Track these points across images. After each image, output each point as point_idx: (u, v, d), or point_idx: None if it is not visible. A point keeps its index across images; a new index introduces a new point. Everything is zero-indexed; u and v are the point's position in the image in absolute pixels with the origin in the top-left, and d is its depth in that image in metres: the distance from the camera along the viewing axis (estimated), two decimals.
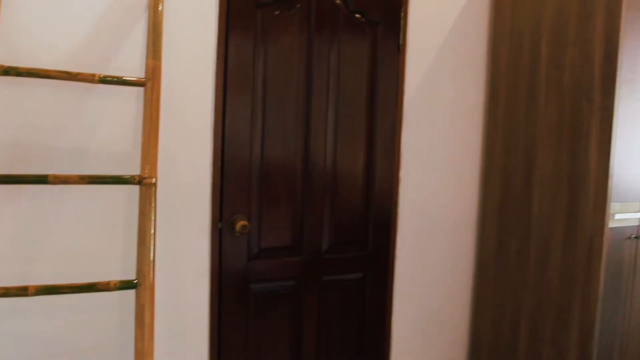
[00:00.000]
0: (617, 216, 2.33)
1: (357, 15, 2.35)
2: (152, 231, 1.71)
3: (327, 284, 2.40)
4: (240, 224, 2.10)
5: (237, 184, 2.15)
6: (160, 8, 1.87)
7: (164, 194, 1.97)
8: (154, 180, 1.74)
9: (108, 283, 1.66)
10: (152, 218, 1.72)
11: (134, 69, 1.90)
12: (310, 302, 2.36)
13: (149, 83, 1.79)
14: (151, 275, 1.69)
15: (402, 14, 2.45)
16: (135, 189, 1.89)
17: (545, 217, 2.42)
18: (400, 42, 2.46)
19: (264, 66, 2.17)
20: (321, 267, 2.38)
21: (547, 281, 2.41)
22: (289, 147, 2.25)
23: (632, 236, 2.41)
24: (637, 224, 2.43)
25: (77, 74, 1.70)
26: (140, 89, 1.88)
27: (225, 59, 2.08)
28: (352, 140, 2.39)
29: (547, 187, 2.41)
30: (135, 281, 1.69)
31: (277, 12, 2.18)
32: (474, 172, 2.76)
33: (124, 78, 1.77)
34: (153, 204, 1.73)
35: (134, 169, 1.89)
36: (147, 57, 1.82)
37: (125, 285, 1.68)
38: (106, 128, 1.88)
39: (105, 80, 1.74)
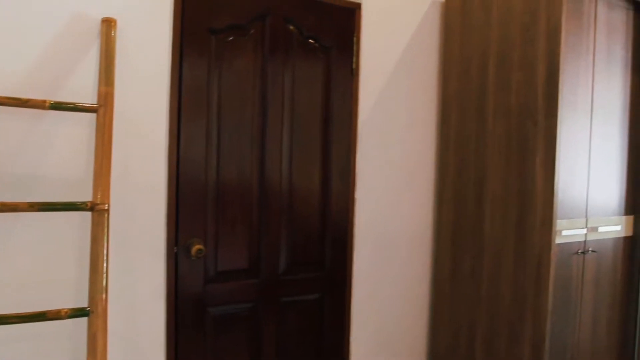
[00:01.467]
0: (565, 232, 2.42)
1: (310, 41, 2.41)
2: (105, 258, 1.70)
3: (285, 305, 2.41)
4: (196, 247, 2.10)
5: (193, 207, 2.15)
6: (112, 34, 1.88)
7: (118, 219, 1.96)
8: (106, 206, 1.73)
9: (59, 311, 1.64)
10: (105, 244, 1.71)
11: (87, 94, 1.89)
12: (269, 324, 2.36)
13: (102, 109, 1.79)
14: (104, 302, 1.68)
15: (354, 39, 2.51)
16: (88, 215, 1.87)
17: (496, 235, 2.49)
18: (354, 65, 2.52)
19: (218, 90, 2.19)
20: (279, 289, 2.39)
21: (500, 297, 2.48)
22: (244, 169, 2.27)
23: (579, 251, 2.50)
24: (583, 239, 2.52)
25: (27, 100, 1.69)
26: (94, 114, 1.88)
27: (179, 84, 2.10)
28: (307, 162, 2.43)
29: (498, 205, 2.49)
30: (87, 309, 1.67)
31: (230, 38, 2.21)
32: (428, 191, 2.82)
33: (75, 104, 1.77)
34: (105, 230, 1.72)
35: (87, 195, 1.87)
36: (99, 84, 1.82)
37: (77, 313, 1.66)
38: (58, 154, 1.86)
39: (56, 106, 1.73)
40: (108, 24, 1.89)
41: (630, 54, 2.67)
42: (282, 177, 2.36)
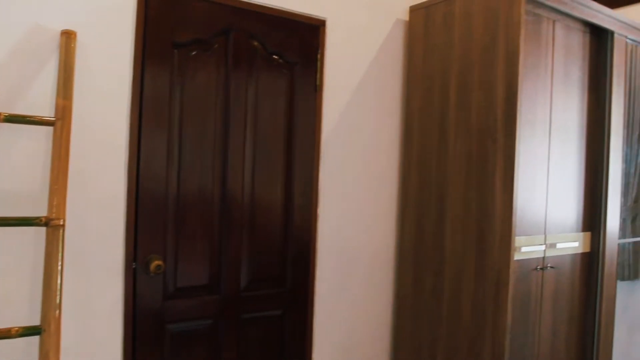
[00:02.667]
0: (524, 249, 2.47)
1: (274, 56, 2.42)
2: (59, 274, 1.66)
3: (246, 322, 2.39)
4: (155, 263, 2.07)
5: (153, 222, 2.12)
6: (72, 46, 1.86)
7: (74, 234, 1.92)
8: (61, 221, 1.69)
9: (9, 330, 1.59)
10: (59, 260, 1.67)
11: (45, 107, 1.86)
12: (229, 340, 2.34)
13: (59, 123, 1.76)
14: (57, 320, 1.63)
15: (318, 56, 2.53)
16: (43, 230, 1.83)
17: (457, 252, 2.52)
18: (318, 82, 2.54)
19: (180, 104, 2.18)
20: (240, 305, 2.37)
21: (460, 314, 2.50)
22: (206, 184, 2.26)
23: (538, 267, 2.55)
24: (542, 255, 2.57)
25: None
26: (51, 127, 1.85)
27: (140, 97, 2.08)
28: (270, 177, 2.43)
29: (458, 223, 2.52)
30: (39, 327, 1.63)
31: (194, 53, 2.20)
32: (391, 208, 2.85)
33: (31, 117, 1.74)
34: (60, 246, 1.68)
35: (43, 210, 1.83)
36: (57, 97, 1.80)
37: (28, 331, 1.62)
38: (13, 167, 1.82)
39: (11, 119, 1.70)
40: (68, 37, 1.86)
41: (586, 75, 2.76)
42: (244, 192, 2.35)
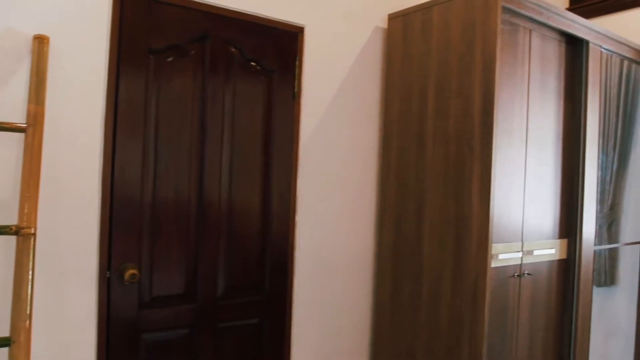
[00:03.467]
0: (501, 256, 2.48)
1: (252, 63, 2.40)
2: (30, 284, 1.62)
3: (223, 330, 2.36)
4: (130, 272, 2.04)
5: (127, 230, 2.09)
6: (45, 51, 1.83)
7: (46, 242, 1.89)
8: (32, 230, 1.66)
9: None
10: (30, 270, 1.63)
11: (17, 113, 1.82)
12: (206, 350, 2.31)
13: (30, 129, 1.73)
14: (27, 331, 1.60)
15: (297, 63, 2.53)
16: (14, 239, 1.79)
17: (435, 259, 2.53)
18: (296, 89, 2.53)
19: (156, 110, 2.16)
20: (217, 314, 2.34)
21: (438, 321, 2.50)
22: (182, 191, 2.23)
23: (515, 274, 2.56)
24: (519, 262, 2.59)
25: None
26: (22, 134, 1.81)
27: (115, 103, 2.05)
28: (247, 184, 2.41)
29: (436, 230, 2.52)
30: (8, 338, 1.59)
31: (170, 59, 2.19)
32: (370, 215, 2.84)
33: (2, 124, 1.70)
34: (31, 255, 1.65)
35: (14, 218, 1.79)
36: (29, 102, 1.76)
37: None
38: None
39: None
40: (40, 41, 1.83)
41: (562, 84, 2.79)
42: (221, 199, 2.33)
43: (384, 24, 2.84)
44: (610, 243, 3.40)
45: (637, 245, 3.46)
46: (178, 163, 2.22)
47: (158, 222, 2.17)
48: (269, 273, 2.49)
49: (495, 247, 2.42)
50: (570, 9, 3.92)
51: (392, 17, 2.78)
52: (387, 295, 2.77)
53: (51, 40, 1.88)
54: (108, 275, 2.05)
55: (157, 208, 2.17)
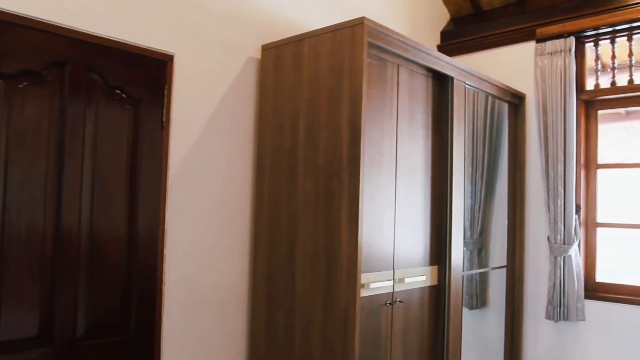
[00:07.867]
0: (373, 285, 2.52)
1: (117, 91, 2.31)
2: None
3: None
4: None
5: None
6: None
7: None
8: None
9: None
10: None
11: None
12: None
13: None
14: None
15: (165, 92, 2.46)
16: None
17: (307, 290, 2.52)
18: (164, 118, 2.46)
19: (6, 137, 2.01)
20: (76, 357, 2.18)
21: (311, 351, 2.48)
22: (36, 223, 2.08)
23: (387, 302, 2.62)
24: (391, 290, 2.64)
25: None
26: None
27: None
28: (111, 217, 2.29)
29: (308, 261, 2.52)
30: None
31: (23, 84, 2.05)
32: (244, 248, 2.79)
33: None
34: None
35: None
36: None
37: None
38: None
39: None
40: None
41: (430, 117, 2.92)
42: (82, 233, 2.20)
43: (257, 54, 2.83)
44: (480, 267, 3.58)
45: (504, 269, 3.67)
46: (31, 194, 2.07)
47: (8, 257, 2.00)
48: (135, 309, 2.37)
49: (366, 277, 2.45)
50: (440, 46, 4.15)
51: (266, 48, 2.79)
52: (262, 327, 2.72)
53: None
54: None
55: (7, 242, 2.00)
